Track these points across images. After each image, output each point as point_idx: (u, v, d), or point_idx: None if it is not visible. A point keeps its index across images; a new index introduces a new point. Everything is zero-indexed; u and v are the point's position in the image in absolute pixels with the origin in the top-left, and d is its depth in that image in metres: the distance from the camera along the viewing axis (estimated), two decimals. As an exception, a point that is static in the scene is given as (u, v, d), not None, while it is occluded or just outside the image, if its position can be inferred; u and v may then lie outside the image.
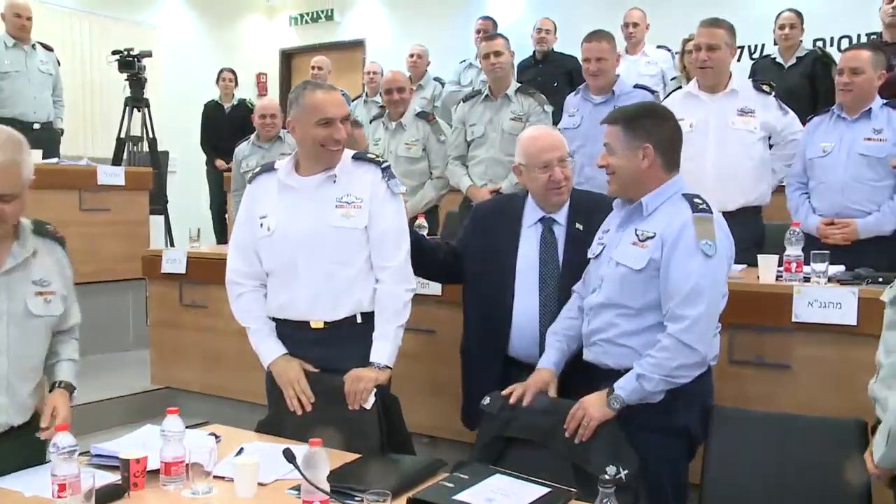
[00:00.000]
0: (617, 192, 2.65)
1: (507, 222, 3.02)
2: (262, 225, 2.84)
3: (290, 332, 2.85)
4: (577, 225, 2.95)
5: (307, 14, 11.22)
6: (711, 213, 2.51)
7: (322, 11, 11.03)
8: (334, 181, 2.79)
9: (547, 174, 2.91)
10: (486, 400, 2.66)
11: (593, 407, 2.47)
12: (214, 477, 2.18)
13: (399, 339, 2.81)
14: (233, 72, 8.42)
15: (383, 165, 2.85)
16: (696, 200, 2.53)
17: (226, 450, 2.41)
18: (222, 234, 7.75)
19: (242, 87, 9.00)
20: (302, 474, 1.99)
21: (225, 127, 8.05)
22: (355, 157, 2.86)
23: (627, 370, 2.49)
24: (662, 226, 2.50)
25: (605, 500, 1.70)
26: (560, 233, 2.96)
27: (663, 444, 2.51)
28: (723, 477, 2.42)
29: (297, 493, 2.07)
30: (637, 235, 2.53)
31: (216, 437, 2.50)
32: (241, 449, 2.42)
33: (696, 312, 2.41)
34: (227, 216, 7.23)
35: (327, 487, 1.99)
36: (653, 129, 2.57)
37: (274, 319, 2.89)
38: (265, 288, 2.89)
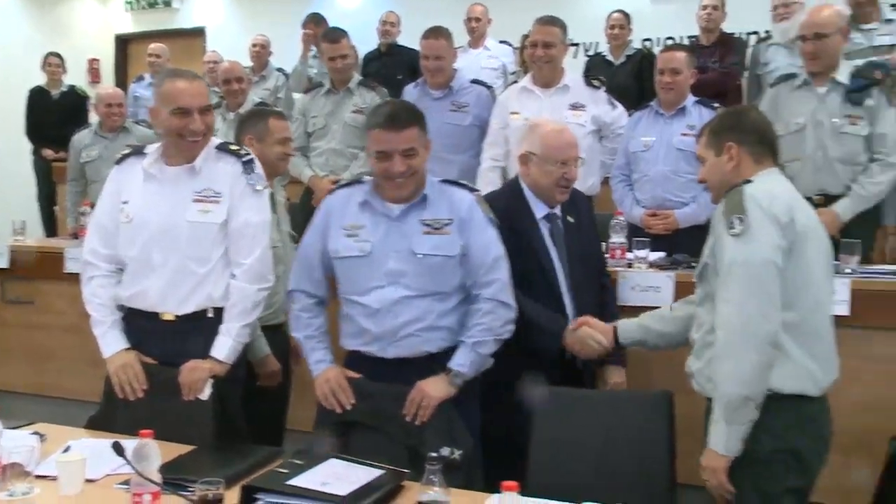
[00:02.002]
0: (415, 190, 2.65)
1: (527, 220, 3.00)
2: (122, 211, 2.78)
3: (141, 322, 2.79)
4: (570, 218, 3.04)
5: (144, -1, 10.87)
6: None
7: (160, -3, 10.73)
8: (195, 173, 2.75)
9: (563, 171, 2.93)
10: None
11: (431, 388, 2.56)
12: (37, 476, 2.10)
13: (243, 336, 2.79)
14: (59, 56, 8.01)
15: (245, 159, 2.80)
16: (462, 183, 2.79)
17: (53, 448, 2.34)
18: (51, 227, 7.40)
19: (72, 74, 8.60)
20: (132, 467, 1.97)
21: (53, 115, 7.65)
22: (219, 148, 2.81)
23: (445, 350, 2.62)
24: (450, 210, 2.65)
25: (431, 477, 1.77)
26: (560, 226, 3.03)
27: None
28: (547, 452, 2.53)
29: (127, 487, 2.03)
30: (428, 225, 2.62)
31: (40, 436, 2.43)
32: (69, 446, 2.36)
33: (502, 275, 2.67)
34: (56, 208, 6.92)
35: (158, 479, 1.98)
36: (421, 125, 2.67)
37: (125, 308, 2.82)
38: (120, 274, 2.83)
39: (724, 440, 2.20)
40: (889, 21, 5.16)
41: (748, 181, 2.31)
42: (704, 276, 2.37)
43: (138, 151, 2.86)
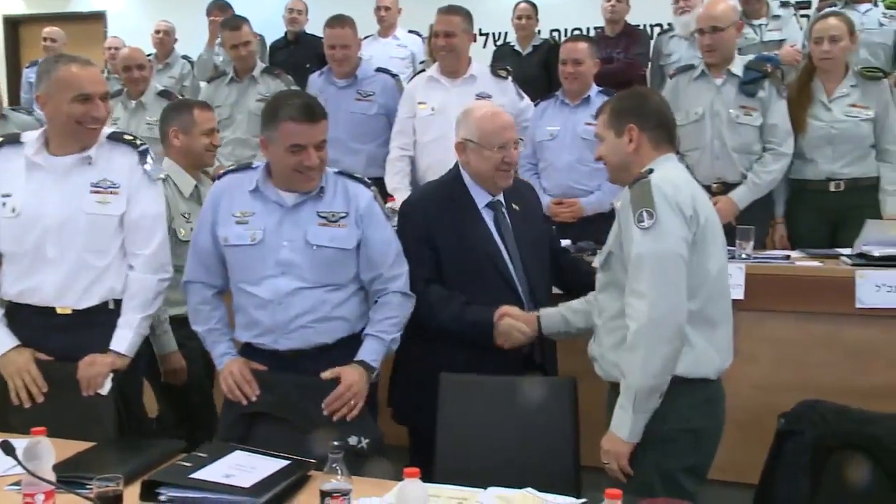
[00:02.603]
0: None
1: (469, 209, 2.90)
2: (4, 205, 2.66)
3: (32, 318, 2.70)
4: (514, 206, 2.97)
5: (36, -21, 10.51)
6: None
7: (54, -23, 10.39)
8: (90, 163, 2.68)
9: (501, 155, 2.85)
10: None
11: (359, 385, 2.57)
12: (-80, 482, 2.04)
13: (144, 328, 2.75)
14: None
15: (140, 148, 2.75)
16: (358, 177, 2.75)
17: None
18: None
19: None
20: (23, 466, 1.92)
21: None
22: (111, 137, 2.75)
23: (340, 340, 2.64)
24: (346, 204, 2.65)
25: (333, 465, 1.78)
26: (504, 214, 2.95)
27: None
28: (454, 438, 2.57)
29: (18, 488, 1.98)
30: (324, 217, 2.61)
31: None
32: (-45, 449, 2.29)
33: (404, 269, 2.73)
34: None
35: (52, 477, 1.94)
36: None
37: (11, 304, 2.72)
38: None
39: (629, 428, 2.25)
40: (777, 17, 5.43)
41: (651, 170, 2.34)
42: (608, 264, 2.41)
43: (13, 140, 2.75)
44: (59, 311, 2.69)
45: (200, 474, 2.05)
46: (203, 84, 5.21)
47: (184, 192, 3.25)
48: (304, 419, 2.53)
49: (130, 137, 2.81)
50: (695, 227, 2.27)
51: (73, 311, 2.69)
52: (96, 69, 2.73)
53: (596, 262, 2.51)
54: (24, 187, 2.67)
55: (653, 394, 2.23)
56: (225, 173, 2.80)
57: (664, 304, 2.20)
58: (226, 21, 5.21)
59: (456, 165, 2.99)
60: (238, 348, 2.74)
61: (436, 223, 2.87)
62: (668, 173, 2.33)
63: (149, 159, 2.76)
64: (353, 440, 2.46)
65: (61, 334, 2.68)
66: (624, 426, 2.25)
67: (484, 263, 2.87)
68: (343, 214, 2.63)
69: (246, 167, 2.76)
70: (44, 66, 2.71)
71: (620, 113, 2.42)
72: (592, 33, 6.54)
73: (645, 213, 2.23)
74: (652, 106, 2.45)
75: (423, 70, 4.69)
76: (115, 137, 2.77)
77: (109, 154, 2.72)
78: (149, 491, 2.01)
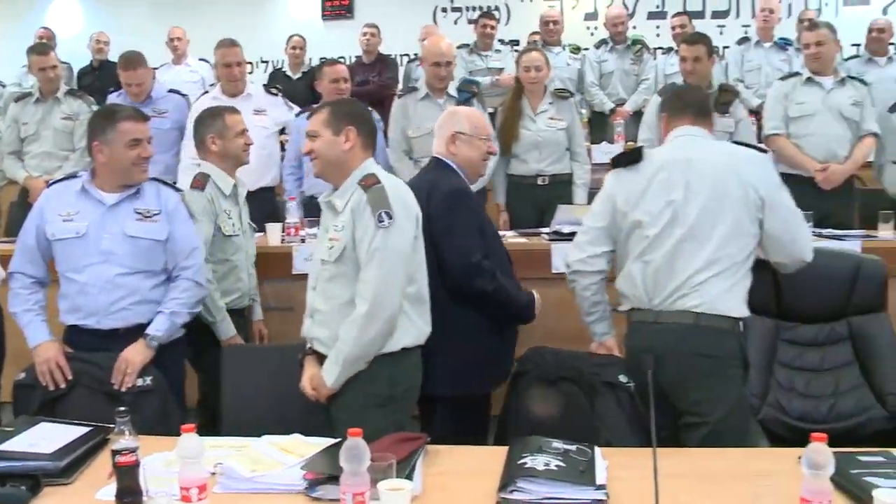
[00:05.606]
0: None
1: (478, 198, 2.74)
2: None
3: None
4: None
5: None
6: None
7: None
8: None
9: (487, 144, 2.71)
10: (22, 375, 2.48)
11: (134, 354, 2.47)
12: None
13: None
14: None
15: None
16: (170, 183, 2.77)
17: None
18: None
19: None
20: None
21: None
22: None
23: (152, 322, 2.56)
24: (158, 203, 2.62)
25: (121, 427, 1.70)
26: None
27: None
28: (238, 401, 2.53)
29: None
30: (140, 213, 2.58)
31: None
32: None
33: (199, 260, 2.66)
34: None
35: None
36: None
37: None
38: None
39: (334, 379, 2.22)
40: (498, 51, 5.87)
41: (375, 175, 2.25)
42: (343, 258, 2.25)
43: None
44: None
45: (5, 446, 1.92)
46: (12, 103, 4.73)
47: (224, 191, 2.96)
48: (98, 382, 2.44)
49: None
50: (416, 225, 2.25)
51: None
52: None
53: (325, 254, 2.29)
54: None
55: (358, 361, 2.20)
56: (52, 183, 2.72)
57: (385, 292, 2.16)
58: (34, 47, 4.79)
59: (448, 163, 2.68)
60: (64, 331, 2.60)
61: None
62: (392, 180, 2.30)
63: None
64: (138, 381, 2.43)
65: None
66: (331, 377, 2.21)
67: (496, 244, 2.73)
68: (157, 212, 2.59)
69: (71, 176, 2.69)
70: None
71: (340, 116, 2.29)
72: (353, 60, 6.52)
73: (384, 214, 2.16)
74: (366, 115, 2.39)
75: (207, 92, 4.55)
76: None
77: None
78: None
